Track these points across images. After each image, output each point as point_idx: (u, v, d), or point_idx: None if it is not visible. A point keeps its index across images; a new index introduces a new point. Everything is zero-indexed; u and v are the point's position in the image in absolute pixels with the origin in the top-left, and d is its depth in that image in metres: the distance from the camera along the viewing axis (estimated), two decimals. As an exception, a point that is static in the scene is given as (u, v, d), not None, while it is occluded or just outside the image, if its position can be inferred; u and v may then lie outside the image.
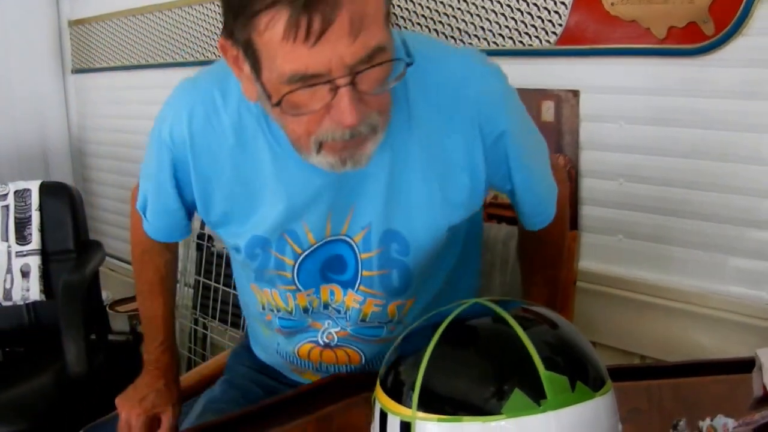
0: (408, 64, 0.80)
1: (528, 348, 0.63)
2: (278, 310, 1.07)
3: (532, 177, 1.03)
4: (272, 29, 0.74)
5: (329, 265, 1.01)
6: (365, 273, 1.00)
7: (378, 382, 0.69)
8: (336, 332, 1.07)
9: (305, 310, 1.05)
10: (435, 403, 0.63)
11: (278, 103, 0.79)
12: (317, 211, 0.96)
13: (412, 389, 0.64)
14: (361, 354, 1.08)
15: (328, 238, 0.98)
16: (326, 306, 1.04)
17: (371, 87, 0.79)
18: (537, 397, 0.61)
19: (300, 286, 1.03)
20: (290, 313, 1.06)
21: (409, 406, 0.64)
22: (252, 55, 0.79)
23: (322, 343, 1.08)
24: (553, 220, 1.10)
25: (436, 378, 0.64)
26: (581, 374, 0.64)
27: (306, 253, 0.99)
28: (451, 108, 0.92)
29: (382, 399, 0.67)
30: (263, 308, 1.09)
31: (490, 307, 0.69)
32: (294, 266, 1.01)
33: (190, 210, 1.08)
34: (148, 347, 1.17)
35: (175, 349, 1.19)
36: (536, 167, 1.04)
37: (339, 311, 1.05)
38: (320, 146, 0.83)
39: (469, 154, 0.94)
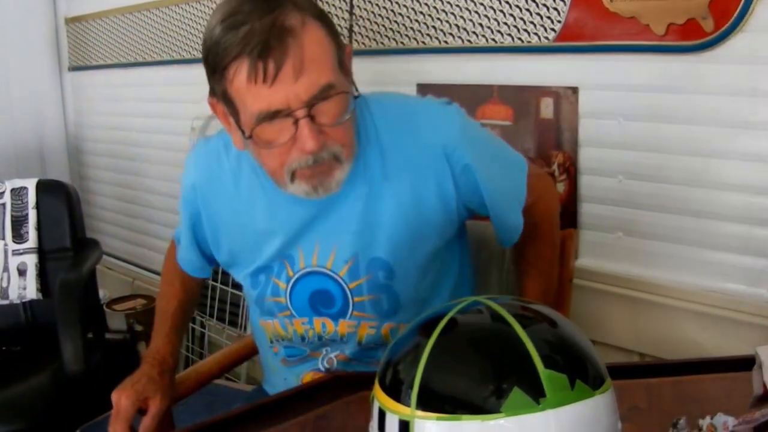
0: (355, 97, 0.97)
1: (527, 346, 0.63)
2: (282, 340, 1.16)
3: (502, 205, 1.11)
4: (238, 76, 0.90)
5: (318, 298, 1.10)
6: (356, 299, 1.09)
7: (376, 381, 0.69)
8: (335, 356, 1.15)
9: (302, 339, 1.14)
10: (434, 401, 0.63)
11: (250, 136, 0.93)
12: (308, 238, 1.07)
13: (411, 388, 0.64)
14: None
15: (314, 268, 1.08)
16: (320, 338, 1.13)
17: (329, 120, 0.93)
18: (536, 395, 0.61)
19: (294, 312, 1.12)
20: (291, 340, 1.15)
21: (408, 405, 0.63)
22: (230, 104, 0.94)
23: (323, 369, 1.15)
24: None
25: (434, 376, 0.64)
26: (581, 372, 0.63)
27: (296, 277, 1.10)
28: (418, 149, 1.04)
29: (380, 397, 0.67)
30: (271, 342, 1.18)
31: (488, 305, 0.69)
32: (286, 290, 1.11)
33: (209, 259, 1.22)
34: (153, 341, 1.20)
35: (177, 344, 1.21)
36: (505, 192, 1.11)
37: (334, 340, 1.13)
38: (293, 175, 0.97)
39: (439, 182, 1.04)
